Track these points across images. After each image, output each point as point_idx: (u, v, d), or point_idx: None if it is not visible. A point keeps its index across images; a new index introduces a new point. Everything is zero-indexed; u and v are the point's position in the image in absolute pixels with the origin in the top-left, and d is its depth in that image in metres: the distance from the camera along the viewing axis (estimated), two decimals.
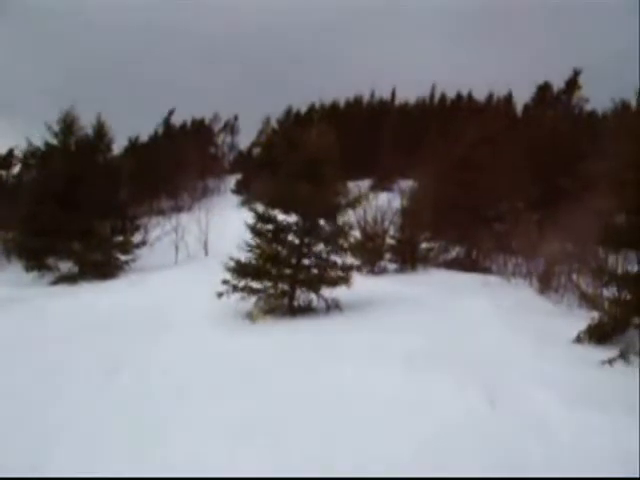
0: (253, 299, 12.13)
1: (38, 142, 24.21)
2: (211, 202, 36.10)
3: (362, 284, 12.87)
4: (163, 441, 5.71)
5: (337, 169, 12.81)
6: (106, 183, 20.69)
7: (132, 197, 24.28)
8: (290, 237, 12.58)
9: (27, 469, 5.23)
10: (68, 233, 19.88)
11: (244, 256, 12.19)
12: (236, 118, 57.14)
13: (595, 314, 9.32)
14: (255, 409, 6.35)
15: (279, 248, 12.45)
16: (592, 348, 8.54)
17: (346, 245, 12.82)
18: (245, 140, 64.21)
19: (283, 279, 12.28)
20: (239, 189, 43.61)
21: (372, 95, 54.93)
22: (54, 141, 22.88)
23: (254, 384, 7.21)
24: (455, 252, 20.99)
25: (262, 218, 12.54)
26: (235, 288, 11.88)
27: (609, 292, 10.21)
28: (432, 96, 53.71)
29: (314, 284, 12.27)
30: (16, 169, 37.81)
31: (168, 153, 40.46)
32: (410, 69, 70.88)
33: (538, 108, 37.15)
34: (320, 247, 12.64)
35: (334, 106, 52.21)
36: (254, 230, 12.47)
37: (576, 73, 35.36)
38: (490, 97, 48.37)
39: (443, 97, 53.11)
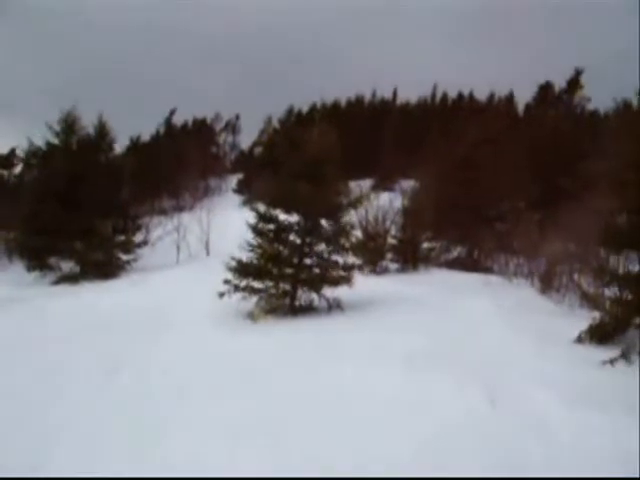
0: (254, 299, 12.12)
1: (39, 142, 24.31)
2: (212, 202, 36.10)
3: (364, 284, 12.86)
4: (163, 441, 5.71)
5: (338, 169, 12.80)
6: (108, 182, 20.69)
7: (134, 196, 24.29)
8: (292, 237, 12.57)
9: (27, 469, 5.24)
10: (70, 233, 19.89)
11: (245, 256, 12.18)
12: (237, 118, 57.27)
13: (596, 314, 9.29)
14: (255, 409, 6.35)
15: (280, 248, 12.45)
16: (593, 348, 8.52)
17: (348, 245, 12.81)
18: (246, 140, 64.55)
19: (284, 279, 12.27)
20: (240, 189, 43.62)
21: (373, 95, 54.98)
22: (55, 141, 22.92)
23: (254, 384, 7.21)
24: (456, 252, 20.95)
25: (264, 218, 12.54)
26: (236, 288, 11.87)
27: (610, 292, 10.19)
28: (433, 96, 53.71)
29: (316, 284, 12.26)
30: (18, 169, 37.90)
31: (170, 152, 40.50)
32: (411, 69, 71.11)
33: (539, 108, 37.07)
34: (322, 247, 12.63)
35: (335, 106, 52.13)
36: (255, 230, 12.47)
37: (578, 73, 35.23)
38: (491, 97, 48.30)
39: (444, 97, 53.05)
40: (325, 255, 12.60)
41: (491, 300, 12.10)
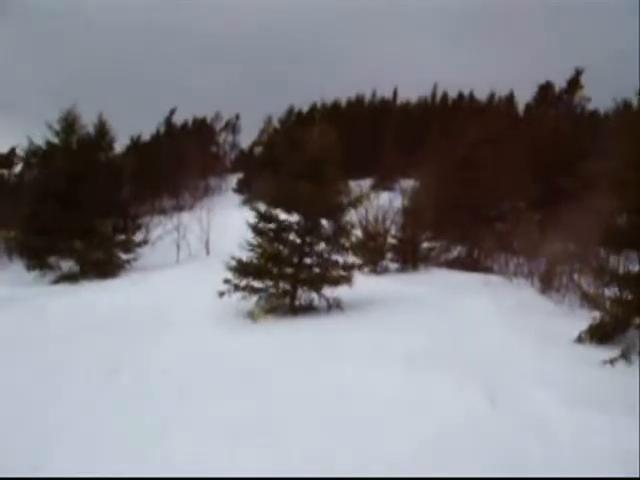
0: (254, 298, 12.12)
1: (39, 141, 24.32)
2: (212, 201, 36.11)
3: (363, 283, 12.86)
4: (163, 441, 5.70)
5: (339, 168, 12.80)
6: (108, 182, 20.72)
7: (134, 196, 24.30)
8: (292, 236, 12.58)
9: (27, 469, 5.23)
10: (69, 232, 19.92)
11: (245, 255, 12.19)
12: (237, 117, 57.27)
13: (596, 314, 9.30)
14: (255, 409, 6.35)
15: (281, 247, 12.45)
16: (593, 348, 8.52)
17: (348, 244, 12.81)
18: (247, 139, 64.54)
19: (284, 278, 12.27)
20: (241, 188, 43.60)
21: (374, 95, 55.03)
22: (55, 140, 22.93)
23: (254, 384, 7.20)
24: (456, 252, 20.98)
25: (264, 217, 12.54)
26: (236, 287, 11.87)
27: (610, 292, 10.19)
28: (434, 96, 53.78)
29: (316, 283, 12.26)
30: (18, 168, 37.91)
31: (170, 152, 40.52)
32: (411, 69, 71.19)
33: (540, 108, 37.08)
34: (322, 246, 12.63)
35: (335, 106, 52.15)
36: (256, 229, 12.47)
37: (578, 73, 35.23)
38: (492, 97, 48.37)
39: (445, 97, 53.10)
40: (325, 255, 12.60)
41: (491, 300, 12.10)
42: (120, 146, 27.96)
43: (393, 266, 19.24)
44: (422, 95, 53.86)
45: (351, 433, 5.66)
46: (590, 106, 36.62)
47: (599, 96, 33.46)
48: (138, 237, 22.22)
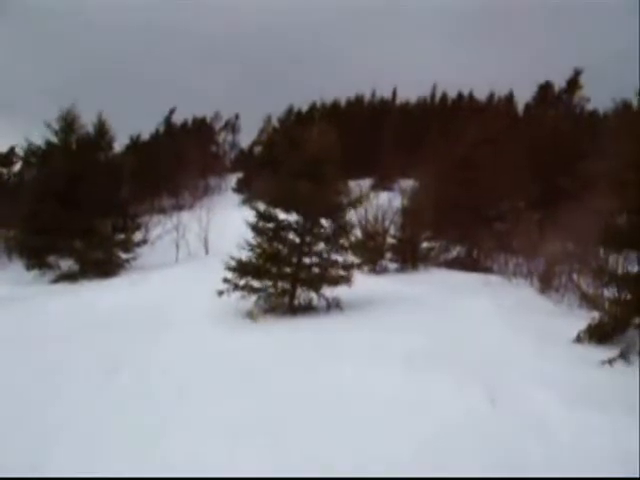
0: (254, 298, 12.13)
1: (38, 141, 24.30)
2: (212, 201, 36.11)
3: (363, 283, 12.87)
4: (163, 441, 5.70)
5: (338, 168, 12.81)
6: (107, 181, 20.71)
7: (133, 195, 24.32)
8: (291, 236, 12.58)
9: (27, 469, 5.23)
10: (69, 231, 19.92)
11: (245, 255, 12.19)
12: (237, 117, 57.31)
13: (595, 314, 9.32)
14: (255, 409, 6.35)
15: (280, 247, 12.45)
16: (592, 348, 8.52)
17: (347, 244, 12.82)
18: (246, 139, 64.34)
19: (284, 278, 12.28)
20: (240, 188, 43.60)
21: (373, 94, 55.05)
22: (55, 139, 22.89)
23: (254, 384, 7.20)
24: (456, 251, 20.98)
25: (263, 217, 12.54)
26: (236, 287, 11.88)
27: (609, 292, 10.20)
28: (433, 96, 53.83)
29: (315, 283, 12.27)
30: (17, 167, 37.86)
31: (169, 151, 40.50)
32: (411, 69, 71.26)
33: (539, 108, 37.11)
34: (321, 246, 12.64)
35: (335, 105, 52.14)
36: (255, 228, 12.47)
37: (577, 73, 35.29)
38: (491, 97, 48.40)
39: (444, 97, 53.11)
40: (324, 254, 12.60)
41: (490, 300, 12.10)
42: (120, 146, 28.05)
43: (392, 266, 19.24)
44: (421, 95, 54.03)
45: (351, 433, 5.66)
46: (589, 106, 36.80)
47: (599, 96, 33.58)
48: (137, 236, 22.21)
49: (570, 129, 26.30)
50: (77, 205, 19.86)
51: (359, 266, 13.37)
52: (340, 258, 12.65)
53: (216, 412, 6.32)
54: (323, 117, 28.53)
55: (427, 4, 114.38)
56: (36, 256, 20.90)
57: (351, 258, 13.07)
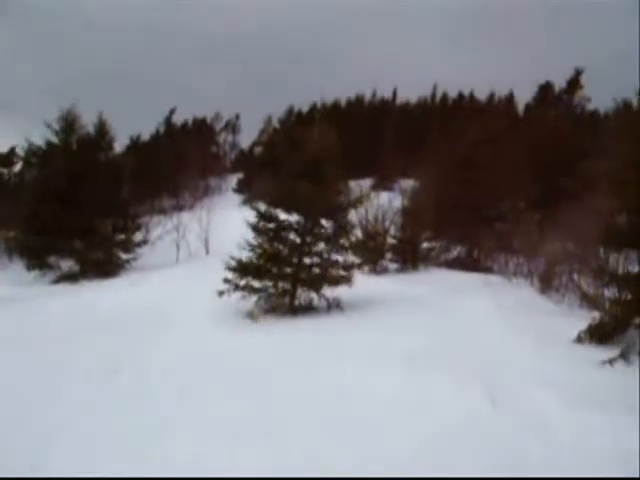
0: (254, 298, 12.13)
1: (39, 141, 24.30)
2: (212, 201, 36.06)
3: (363, 283, 12.86)
4: (163, 441, 5.70)
5: (338, 168, 12.81)
6: (108, 182, 20.70)
7: (134, 196, 24.30)
8: (291, 236, 12.58)
9: (27, 469, 5.24)
10: (69, 232, 19.91)
11: (245, 255, 12.19)
12: (237, 117, 57.22)
13: (596, 314, 9.32)
14: (255, 409, 6.35)
15: (280, 247, 12.45)
16: (593, 348, 8.53)
17: (347, 244, 12.82)
18: (247, 139, 64.56)
19: (284, 278, 12.27)
20: (240, 188, 43.57)
21: (373, 95, 54.97)
22: (55, 139, 22.90)
23: (254, 384, 7.21)
24: (456, 251, 20.97)
25: (264, 217, 12.54)
26: (236, 287, 11.89)
27: (610, 292, 10.20)
28: (433, 96, 53.75)
29: (315, 283, 12.26)
30: (17, 167, 37.86)
31: (170, 152, 40.44)
32: (411, 69, 71.26)
33: (539, 108, 37.06)
34: (321, 246, 12.63)
35: (335, 105, 52.10)
36: (256, 229, 12.47)
37: (578, 72, 35.23)
38: (491, 97, 48.34)
39: (444, 97, 53.06)
40: (325, 254, 12.60)
41: (491, 300, 12.10)
42: (120, 146, 28.02)
43: (393, 266, 19.24)
44: (422, 95, 53.95)
45: (351, 433, 5.66)
46: (590, 106, 36.70)
47: (599, 96, 33.55)
48: (138, 237, 22.19)
49: (570, 129, 26.27)
50: (77, 205, 19.86)
51: (359, 266, 13.37)
52: (340, 258, 12.65)
53: (216, 412, 6.32)
54: (323, 117, 28.66)
55: (427, 4, 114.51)
56: (36, 256, 20.90)
57: (351, 258, 13.06)
